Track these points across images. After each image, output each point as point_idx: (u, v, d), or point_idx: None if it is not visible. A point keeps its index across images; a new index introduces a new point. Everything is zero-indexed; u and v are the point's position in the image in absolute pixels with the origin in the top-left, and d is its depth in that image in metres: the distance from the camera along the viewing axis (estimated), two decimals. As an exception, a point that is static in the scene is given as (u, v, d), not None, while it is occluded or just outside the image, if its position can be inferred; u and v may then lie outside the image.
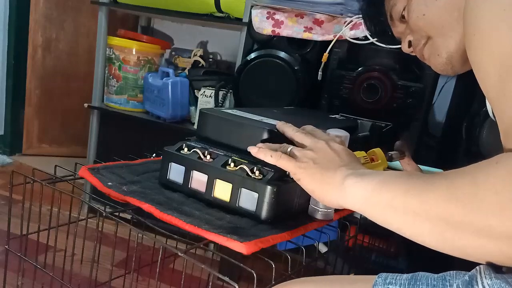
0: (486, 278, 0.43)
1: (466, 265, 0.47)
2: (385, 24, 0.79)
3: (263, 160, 0.63)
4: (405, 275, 0.50)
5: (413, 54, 0.76)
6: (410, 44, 0.75)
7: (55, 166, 0.87)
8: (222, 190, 0.70)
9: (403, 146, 0.87)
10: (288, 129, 0.68)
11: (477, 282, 0.43)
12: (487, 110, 0.68)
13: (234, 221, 0.67)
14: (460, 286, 0.44)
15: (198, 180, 0.72)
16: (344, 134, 0.71)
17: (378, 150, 0.80)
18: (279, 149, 0.63)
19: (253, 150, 0.64)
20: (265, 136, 0.71)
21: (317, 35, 1.31)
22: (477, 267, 0.46)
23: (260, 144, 0.64)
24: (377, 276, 0.51)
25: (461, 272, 0.47)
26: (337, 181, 0.54)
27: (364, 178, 0.52)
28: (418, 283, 0.47)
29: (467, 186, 0.41)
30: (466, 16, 0.51)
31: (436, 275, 0.48)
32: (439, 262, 0.59)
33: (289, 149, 0.62)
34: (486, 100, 0.60)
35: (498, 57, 0.45)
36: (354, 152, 0.63)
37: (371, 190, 0.50)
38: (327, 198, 0.56)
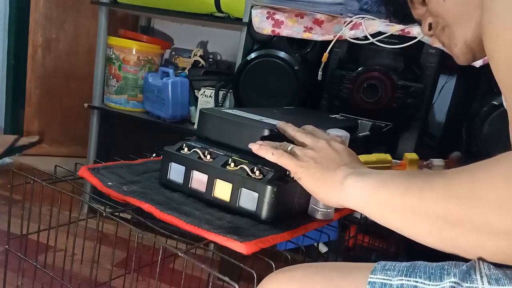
0: (484, 269, 0.43)
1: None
2: (404, 7, 0.77)
3: (263, 160, 0.63)
4: (404, 263, 0.49)
5: (433, 37, 0.74)
6: (430, 26, 0.73)
7: (55, 166, 0.87)
8: (222, 190, 0.70)
9: (455, 160, 0.84)
10: (289, 129, 0.68)
11: (475, 272, 0.43)
12: (488, 109, 0.68)
13: (234, 221, 0.67)
14: (458, 274, 0.44)
15: (198, 180, 0.72)
16: (344, 134, 0.71)
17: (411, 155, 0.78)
18: (280, 147, 0.63)
19: (254, 147, 0.63)
20: (266, 136, 0.70)
21: (317, 35, 1.31)
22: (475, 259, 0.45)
23: (260, 142, 0.64)
24: (376, 263, 0.51)
25: (459, 263, 0.47)
26: (338, 180, 0.54)
27: (364, 177, 0.52)
28: (416, 270, 0.47)
29: (465, 183, 0.41)
30: (484, 3, 0.49)
31: (434, 264, 0.48)
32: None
33: (289, 148, 0.62)
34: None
35: (511, 46, 0.44)
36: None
37: (371, 189, 0.50)
38: (328, 197, 0.56)
